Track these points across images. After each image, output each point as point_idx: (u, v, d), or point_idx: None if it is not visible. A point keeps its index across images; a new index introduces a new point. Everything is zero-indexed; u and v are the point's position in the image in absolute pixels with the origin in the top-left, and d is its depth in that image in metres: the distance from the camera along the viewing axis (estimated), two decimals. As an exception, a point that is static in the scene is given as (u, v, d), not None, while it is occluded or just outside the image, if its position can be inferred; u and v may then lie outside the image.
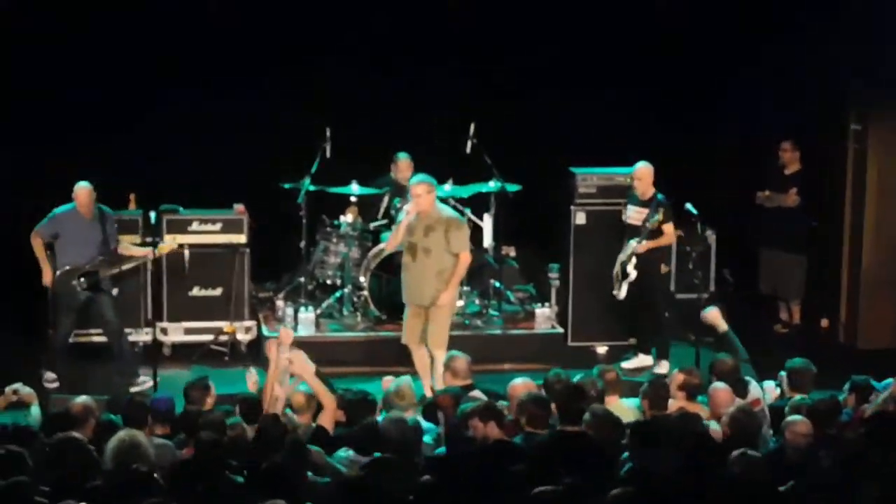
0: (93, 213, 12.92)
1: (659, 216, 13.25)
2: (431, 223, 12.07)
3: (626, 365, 13.59)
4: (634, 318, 13.85)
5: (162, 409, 9.83)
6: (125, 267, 13.14)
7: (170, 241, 13.42)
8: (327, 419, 10.06)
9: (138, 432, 8.76)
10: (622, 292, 13.52)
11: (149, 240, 13.52)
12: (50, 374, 12.91)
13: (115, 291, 13.16)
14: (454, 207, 13.93)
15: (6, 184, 14.22)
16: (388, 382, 10.80)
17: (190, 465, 8.59)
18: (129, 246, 13.27)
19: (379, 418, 10.03)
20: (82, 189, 12.88)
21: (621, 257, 13.47)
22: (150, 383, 12.64)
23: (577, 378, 10.45)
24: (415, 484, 8.31)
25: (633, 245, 13.35)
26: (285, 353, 10.51)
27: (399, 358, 12.56)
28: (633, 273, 13.38)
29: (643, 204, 13.44)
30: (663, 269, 13.56)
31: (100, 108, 14.47)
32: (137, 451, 8.48)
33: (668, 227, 13.42)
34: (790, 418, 9.69)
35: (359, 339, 13.75)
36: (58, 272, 12.85)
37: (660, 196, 13.41)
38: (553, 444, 9.15)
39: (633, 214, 13.53)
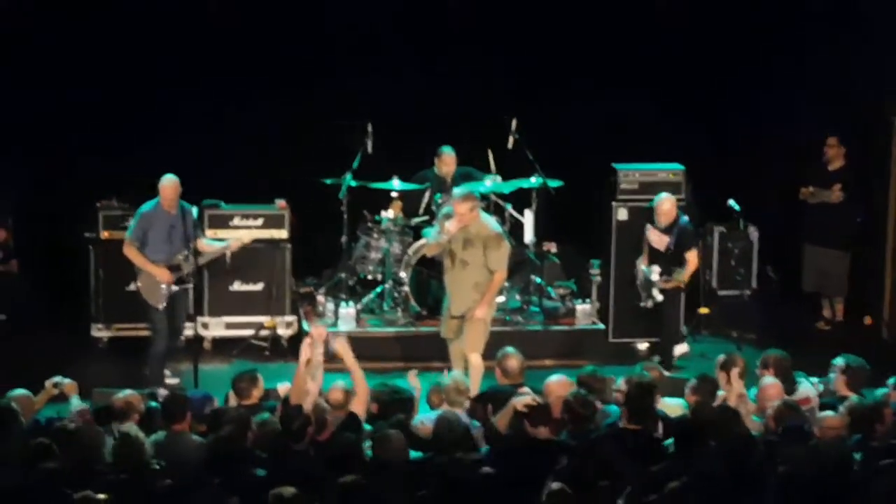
0: (176, 209, 12.71)
1: (682, 273, 13.19)
2: (471, 237, 12.00)
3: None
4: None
5: (197, 406, 9.85)
6: (205, 261, 12.98)
7: (245, 234, 13.35)
8: (360, 407, 10.05)
9: (135, 429, 8.81)
10: (649, 304, 13.50)
11: (223, 237, 13.52)
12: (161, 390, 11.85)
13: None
14: (496, 204, 13.97)
15: (46, 182, 14.30)
16: (414, 376, 10.69)
17: (209, 460, 8.67)
18: (206, 241, 13.06)
19: (421, 415, 10.06)
20: (170, 182, 12.63)
21: (647, 274, 13.39)
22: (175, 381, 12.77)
23: (620, 378, 10.39)
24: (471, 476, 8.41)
25: (657, 275, 13.27)
26: (319, 348, 10.45)
27: (439, 353, 12.56)
28: (659, 297, 13.34)
29: (663, 231, 13.39)
30: (681, 287, 13.46)
31: (143, 103, 14.55)
32: (133, 446, 8.59)
33: (692, 255, 13.35)
34: (822, 414, 9.68)
35: (399, 335, 13.76)
36: (141, 271, 12.64)
37: (683, 220, 13.33)
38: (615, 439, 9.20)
39: (655, 238, 13.45)
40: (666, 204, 13.42)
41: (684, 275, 13.27)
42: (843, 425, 9.45)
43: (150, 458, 8.68)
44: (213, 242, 13.14)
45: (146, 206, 12.69)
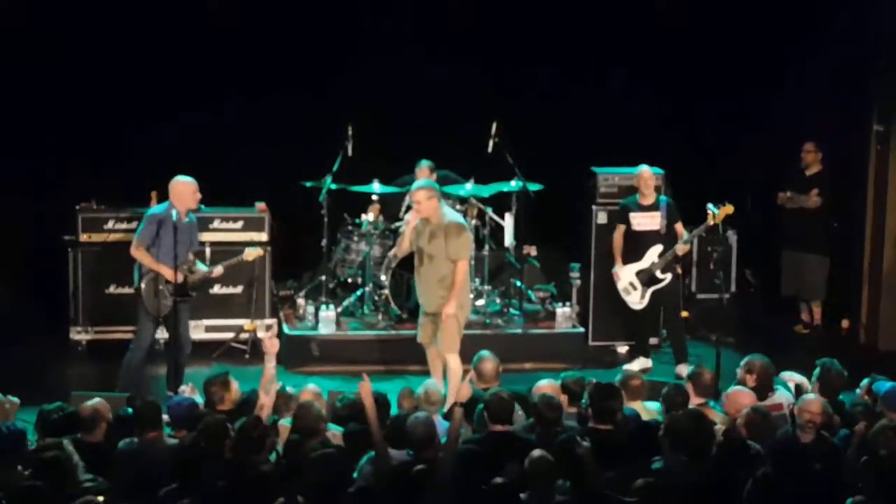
0: (187, 215, 12.19)
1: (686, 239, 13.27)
2: (434, 229, 11.97)
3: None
4: (644, 320, 13.77)
5: (179, 413, 9.75)
6: (195, 279, 12.37)
7: (255, 251, 12.87)
8: (268, 407, 9.95)
9: (70, 448, 8.71)
10: (645, 300, 13.47)
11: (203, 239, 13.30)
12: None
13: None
14: (478, 209, 13.99)
15: (24, 184, 14.26)
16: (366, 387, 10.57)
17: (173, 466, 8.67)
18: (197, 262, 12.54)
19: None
20: (183, 182, 12.13)
21: (639, 266, 13.40)
22: None
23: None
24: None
25: (659, 250, 13.29)
26: (271, 361, 10.35)
27: (418, 357, 12.55)
28: (666, 277, 13.34)
29: (649, 208, 13.41)
30: (678, 269, 13.51)
31: (121, 105, 14.52)
32: (66, 465, 8.51)
33: (680, 227, 13.41)
34: (804, 397, 9.75)
35: (379, 338, 13.76)
36: (145, 276, 12.09)
37: (664, 198, 13.42)
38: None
39: (644, 221, 13.44)
40: (648, 171, 13.46)
41: (677, 227, 13.33)
42: (822, 412, 9.51)
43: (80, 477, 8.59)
44: (200, 265, 12.61)
45: (156, 209, 12.24)
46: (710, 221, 13.15)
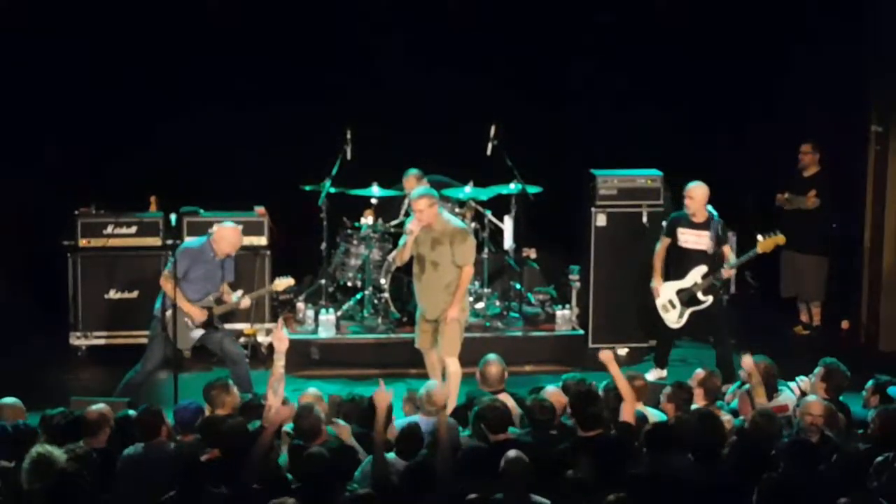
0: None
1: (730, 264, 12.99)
2: (437, 236, 11.98)
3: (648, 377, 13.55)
4: (671, 334, 13.53)
5: (186, 417, 9.72)
6: (221, 311, 12.26)
7: (286, 280, 12.69)
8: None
9: (52, 449, 8.68)
10: (683, 320, 13.14)
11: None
12: None
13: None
14: (475, 212, 13.99)
15: (23, 189, 14.25)
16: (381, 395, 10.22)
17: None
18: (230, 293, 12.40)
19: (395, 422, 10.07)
20: (233, 230, 12.23)
21: (681, 284, 13.04)
22: None
23: (601, 385, 10.39)
24: None
25: (703, 271, 12.89)
26: (280, 360, 10.25)
27: (418, 360, 12.54)
28: (707, 300, 13.01)
29: (700, 227, 12.96)
30: (720, 293, 13.20)
31: (120, 109, 14.52)
32: (50, 467, 8.46)
33: (727, 249, 13.07)
34: (806, 399, 9.78)
35: (379, 341, 13.76)
36: (169, 308, 11.83)
37: (716, 216, 12.96)
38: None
39: (692, 238, 12.99)
40: (698, 189, 12.93)
41: (725, 249, 12.96)
42: (823, 413, 9.58)
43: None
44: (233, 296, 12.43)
45: (191, 243, 12.14)
46: (759, 250, 12.81)
